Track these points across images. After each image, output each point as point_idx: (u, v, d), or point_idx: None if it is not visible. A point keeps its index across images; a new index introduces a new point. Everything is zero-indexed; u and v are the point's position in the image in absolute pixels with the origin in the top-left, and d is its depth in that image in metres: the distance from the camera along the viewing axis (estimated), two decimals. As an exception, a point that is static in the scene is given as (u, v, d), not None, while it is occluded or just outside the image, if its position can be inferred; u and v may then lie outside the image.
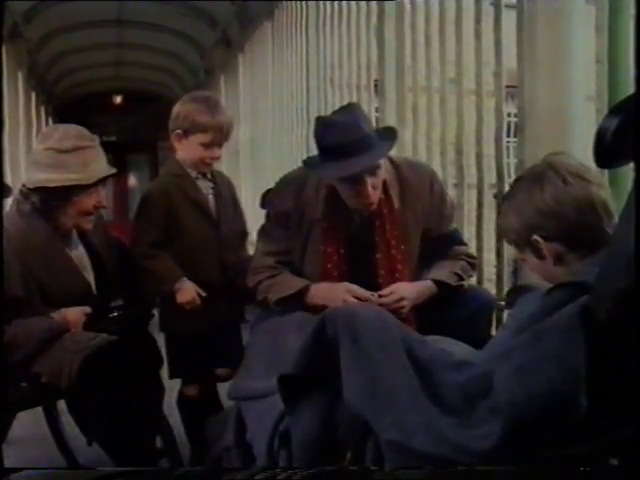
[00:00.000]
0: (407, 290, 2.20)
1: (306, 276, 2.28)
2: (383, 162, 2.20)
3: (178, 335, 2.52)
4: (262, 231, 2.38)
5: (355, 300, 2.17)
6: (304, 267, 2.29)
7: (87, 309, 2.29)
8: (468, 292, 2.29)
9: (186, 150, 2.50)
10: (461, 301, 2.23)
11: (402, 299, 2.18)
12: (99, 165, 2.30)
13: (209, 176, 2.58)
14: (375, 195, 2.19)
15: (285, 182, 2.37)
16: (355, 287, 2.20)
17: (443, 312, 2.18)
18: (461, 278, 2.28)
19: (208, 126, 2.46)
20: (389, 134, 2.27)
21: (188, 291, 2.44)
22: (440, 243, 2.32)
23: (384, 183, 2.23)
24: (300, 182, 2.31)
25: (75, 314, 2.26)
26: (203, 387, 2.60)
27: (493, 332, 2.46)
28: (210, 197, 2.56)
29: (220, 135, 2.49)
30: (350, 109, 2.23)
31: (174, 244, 2.48)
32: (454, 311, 2.18)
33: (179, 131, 2.49)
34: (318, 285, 2.24)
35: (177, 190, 2.50)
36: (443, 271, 2.26)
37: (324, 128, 2.16)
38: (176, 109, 2.52)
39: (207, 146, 2.48)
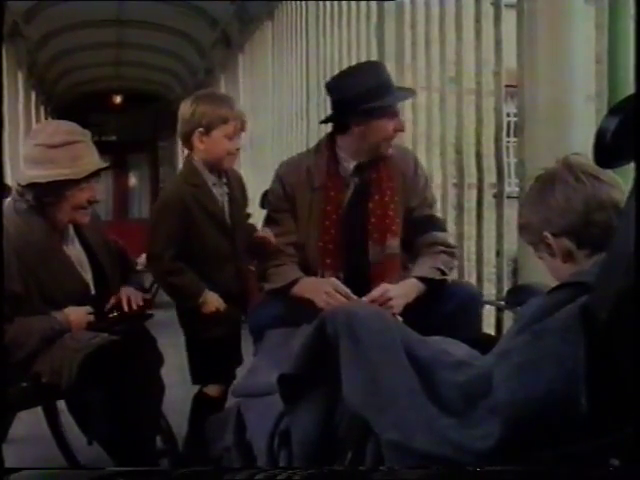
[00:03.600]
0: (395, 290, 2.23)
1: (310, 240, 2.37)
2: None
3: (201, 341, 2.57)
4: (267, 219, 2.50)
5: (337, 297, 2.21)
6: (309, 232, 2.37)
7: (90, 309, 2.29)
8: (451, 287, 2.32)
9: (210, 146, 2.48)
10: (444, 296, 2.25)
11: (391, 299, 2.20)
12: (90, 159, 2.28)
13: (224, 179, 2.57)
14: None
15: (284, 165, 2.53)
16: (338, 284, 2.25)
17: (427, 308, 2.20)
18: (443, 272, 2.32)
19: (229, 117, 2.47)
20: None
21: (212, 303, 2.51)
22: (421, 225, 2.39)
23: None
24: (298, 161, 2.47)
25: (78, 314, 2.26)
26: (225, 388, 2.61)
27: (483, 329, 2.48)
28: (225, 205, 2.56)
29: (240, 124, 2.52)
30: (369, 62, 2.68)
31: (192, 255, 2.50)
32: (438, 306, 2.20)
33: (201, 129, 2.46)
34: (305, 279, 2.32)
35: (194, 202, 2.49)
36: (425, 267, 2.30)
37: (352, 75, 2.37)
38: (187, 110, 2.48)
39: (231, 137, 2.49)
